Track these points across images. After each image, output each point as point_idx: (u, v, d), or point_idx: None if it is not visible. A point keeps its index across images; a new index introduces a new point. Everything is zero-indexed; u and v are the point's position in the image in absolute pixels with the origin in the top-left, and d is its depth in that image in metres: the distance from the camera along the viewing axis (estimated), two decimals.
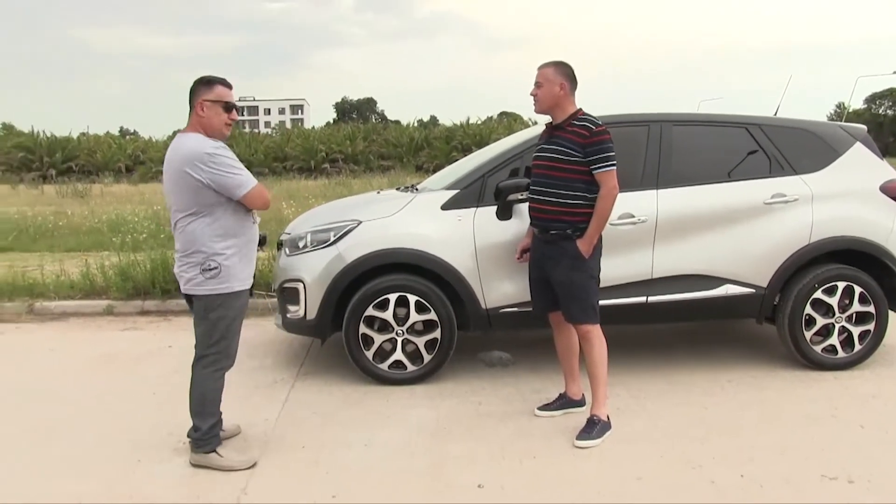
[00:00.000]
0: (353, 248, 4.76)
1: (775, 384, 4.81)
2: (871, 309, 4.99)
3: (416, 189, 5.40)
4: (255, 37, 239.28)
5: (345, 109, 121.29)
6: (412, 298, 4.73)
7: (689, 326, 6.31)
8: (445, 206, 4.86)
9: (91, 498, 3.35)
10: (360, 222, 4.87)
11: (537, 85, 4.03)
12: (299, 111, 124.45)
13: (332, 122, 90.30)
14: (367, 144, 53.02)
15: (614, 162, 3.89)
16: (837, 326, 5.00)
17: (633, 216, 4.76)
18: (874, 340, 5.05)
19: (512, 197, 4.62)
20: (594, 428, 3.92)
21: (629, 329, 6.15)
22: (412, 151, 51.22)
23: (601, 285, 4.33)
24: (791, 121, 5.32)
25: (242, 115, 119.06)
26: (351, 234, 4.82)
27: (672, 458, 3.70)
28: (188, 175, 3.37)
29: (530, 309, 4.46)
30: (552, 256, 4.04)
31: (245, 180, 3.44)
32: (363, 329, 4.76)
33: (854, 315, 5.01)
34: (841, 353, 5.03)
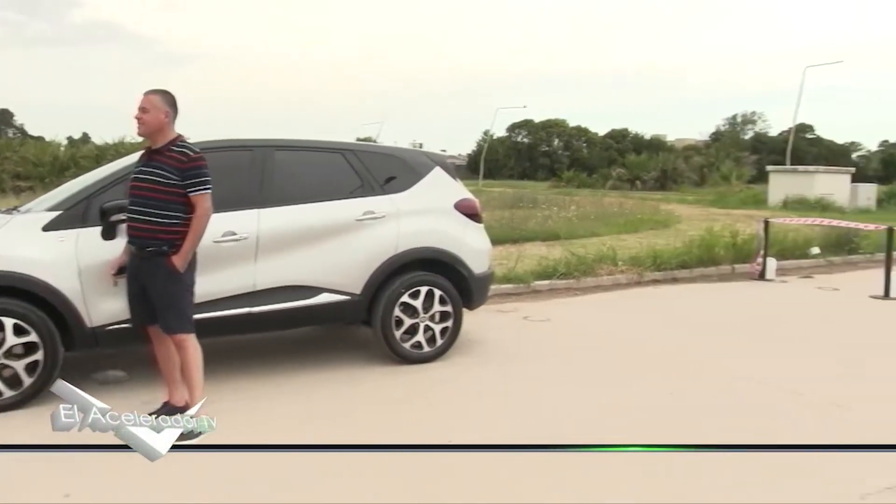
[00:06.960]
0: None
1: (370, 377, 5.54)
2: (450, 308, 5.94)
3: (19, 210, 5.28)
4: None
5: None
6: (8, 322, 4.62)
7: (299, 333, 6.84)
8: (47, 228, 4.84)
9: None
10: None
11: (143, 110, 4.28)
12: None
13: None
14: None
15: (209, 186, 4.28)
16: (422, 325, 5.87)
17: (236, 234, 5.14)
18: (453, 335, 6.01)
19: (115, 217, 4.74)
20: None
21: (242, 340, 6.52)
22: (56, 171, 46.55)
23: (205, 299, 4.69)
24: (383, 147, 6.19)
25: None
26: None
27: (265, 441, 4.21)
28: None
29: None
30: (149, 271, 4.29)
31: None
32: None
33: (436, 314, 5.92)
34: (426, 348, 5.90)
